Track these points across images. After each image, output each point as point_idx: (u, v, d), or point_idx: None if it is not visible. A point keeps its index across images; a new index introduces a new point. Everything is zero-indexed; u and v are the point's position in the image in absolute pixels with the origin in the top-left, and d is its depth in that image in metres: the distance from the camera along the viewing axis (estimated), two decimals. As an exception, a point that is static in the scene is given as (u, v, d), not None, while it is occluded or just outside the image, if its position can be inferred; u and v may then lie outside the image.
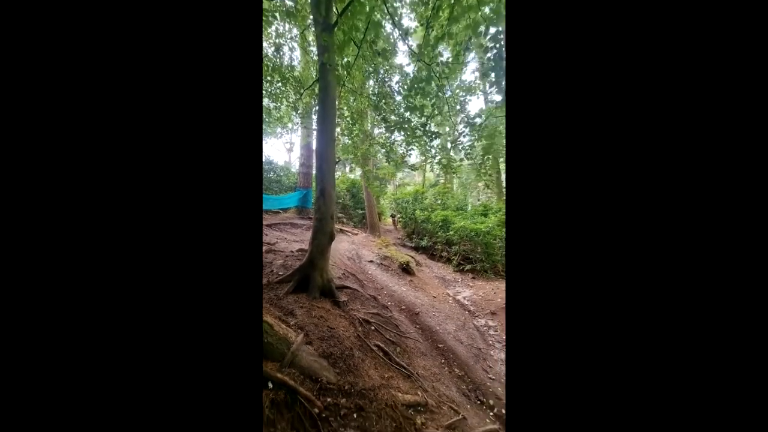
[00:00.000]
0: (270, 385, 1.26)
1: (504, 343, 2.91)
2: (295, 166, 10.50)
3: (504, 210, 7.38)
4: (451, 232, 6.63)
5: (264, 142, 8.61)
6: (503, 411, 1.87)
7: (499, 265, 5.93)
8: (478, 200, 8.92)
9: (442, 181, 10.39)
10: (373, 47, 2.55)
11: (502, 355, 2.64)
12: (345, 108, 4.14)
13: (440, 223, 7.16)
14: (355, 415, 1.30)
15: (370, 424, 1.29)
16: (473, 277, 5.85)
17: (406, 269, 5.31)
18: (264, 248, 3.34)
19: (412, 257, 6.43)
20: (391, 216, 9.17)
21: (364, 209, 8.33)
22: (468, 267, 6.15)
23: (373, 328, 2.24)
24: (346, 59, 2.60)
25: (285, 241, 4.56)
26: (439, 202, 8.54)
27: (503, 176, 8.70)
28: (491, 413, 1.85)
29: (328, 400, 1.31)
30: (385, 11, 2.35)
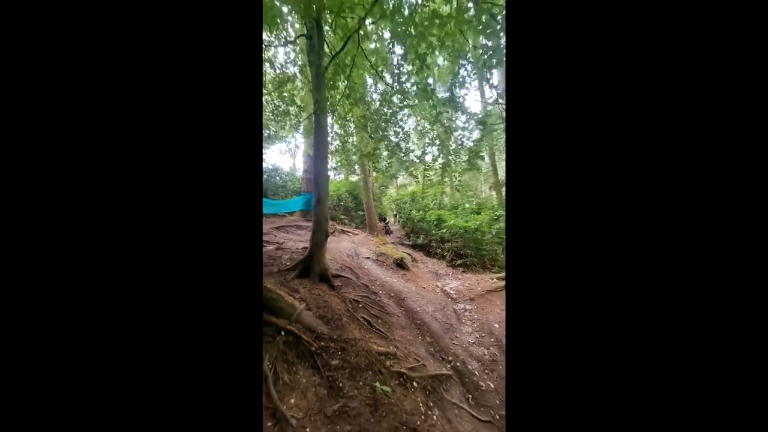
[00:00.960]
0: (282, 333, 1.91)
1: (474, 322, 3.49)
2: (299, 171, 11.26)
3: (496, 207, 7.88)
4: (443, 230, 7.22)
5: (269, 149, 9.34)
6: (457, 364, 2.47)
7: (486, 259, 6.48)
8: (473, 200, 9.44)
9: (441, 181, 10.97)
10: (350, 96, 3.19)
11: (470, 329, 3.23)
12: (337, 126, 4.82)
13: (435, 222, 7.74)
14: (339, 353, 1.94)
15: (349, 359, 1.92)
16: (463, 271, 6.42)
17: (400, 264, 5.93)
18: (273, 246, 4.03)
19: (409, 254, 7.05)
20: (380, 219, 9.11)
21: (361, 210, 8.99)
22: (459, 262, 6.73)
23: (360, 305, 2.88)
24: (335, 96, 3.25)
25: (291, 240, 5.26)
26: (436, 202, 9.12)
27: (501, 175, 9.15)
28: (448, 365, 2.46)
29: (321, 343, 1.95)
30: (368, 65, 2.97)
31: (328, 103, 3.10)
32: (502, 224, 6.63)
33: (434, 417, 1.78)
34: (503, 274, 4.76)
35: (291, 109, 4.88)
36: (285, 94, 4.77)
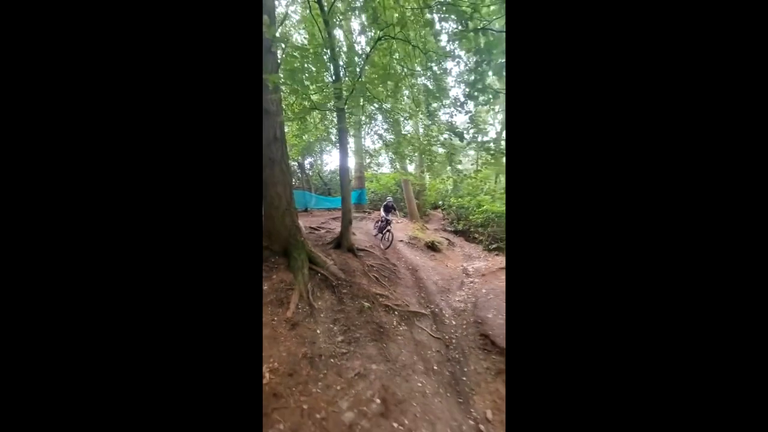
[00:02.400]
0: (318, 274, 3.43)
1: (471, 289, 4.25)
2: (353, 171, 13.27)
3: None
4: (477, 215, 7.61)
5: (332, 151, 11.49)
6: (435, 310, 3.48)
7: (520, 243, 6.61)
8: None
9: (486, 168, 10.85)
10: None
11: (463, 294, 4.06)
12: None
13: (474, 209, 8.15)
14: (348, 288, 3.33)
15: (354, 291, 3.28)
16: (496, 254, 6.77)
17: (431, 247, 6.87)
18: (323, 231, 5.77)
19: (448, 239, 7.86)
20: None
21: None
22: (494, 246, 7.05)
23: (375, 268, 4.20)
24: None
25: (339, 228, 7.01)
26: (481, 188, 9.37)
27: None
28: (428, 309, 3.50)
29: (339, 282, 3.39)
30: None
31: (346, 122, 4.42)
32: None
33: (401, 329, 2.94)
34: None
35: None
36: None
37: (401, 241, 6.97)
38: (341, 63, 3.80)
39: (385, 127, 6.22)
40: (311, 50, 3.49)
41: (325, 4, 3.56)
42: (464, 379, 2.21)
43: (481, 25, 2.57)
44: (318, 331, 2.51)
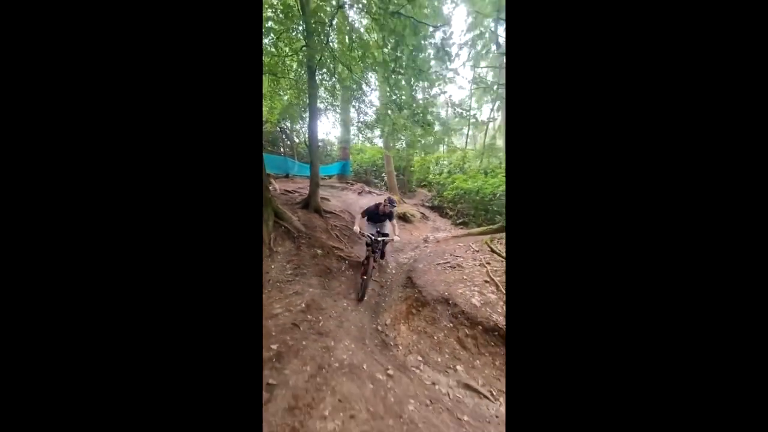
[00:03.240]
0: (282, 227, 4.00)
1: (416, 251, 4.92)
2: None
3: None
4: (449, 192, 8.16)
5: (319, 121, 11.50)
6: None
7: (482, 219, 7.23)
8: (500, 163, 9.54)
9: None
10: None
11: (411, 254, 4.72)
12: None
13: (448, 185, 8.66)
14: (308, 239, 3.92)
15: (312, 242, 3.88)
16: (461, 228, 7.42)
17: (402, 218, 7.46)
18: (297, 195, 6.27)
19: (423, 213, 8.44)
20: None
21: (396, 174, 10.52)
22: (460, 221, 7.69)
23: (338, 228, 4.79)
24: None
25: (327, 198, 7.48)
26: (460, 166, 9.79)
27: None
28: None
29: (299, 234, 3.98)
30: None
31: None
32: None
33: (347, 273, 3.59)
34: (481, 228, 5.73)
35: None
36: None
37: (374, 210, 7.55)
38: (312, 23, 3.98)
39: (369, 99, 6.42)
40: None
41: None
42: (383, 304, 2.90)
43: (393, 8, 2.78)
44: (273, 266, 3.13)
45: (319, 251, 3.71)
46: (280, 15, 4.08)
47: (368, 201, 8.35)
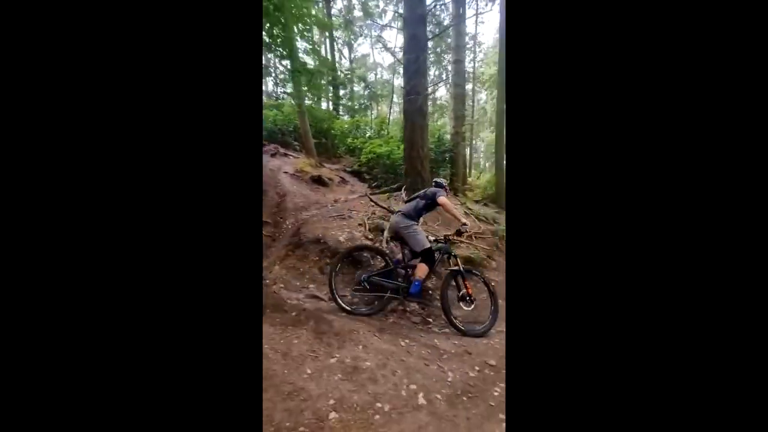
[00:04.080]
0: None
1: (324, 208, 5.27)
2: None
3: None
4: (364, 156, 8.56)
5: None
6: (279, 221, 4.29)
7: (390, 182, 8.02)
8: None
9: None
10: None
11: (314, 212, 5.01)
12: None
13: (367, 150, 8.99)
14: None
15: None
16: (372, 192, 8.07)
17: (317, 180, 7.52)
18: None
19: (342, 178, 8.60)
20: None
21: (317, 138, 10.13)
22: (375, 184, 8.31)
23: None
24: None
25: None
26: (372, 131, 10.11)
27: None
28: (272, 221, 4.27)
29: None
30: None
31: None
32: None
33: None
34: (383, 189, 6.35)
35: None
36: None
37: (286, 172, 7.34)
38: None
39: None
40: None
41: None
42: (267, 252, 3.14)
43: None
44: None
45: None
46: None
47: (278, 163, 7.99)
